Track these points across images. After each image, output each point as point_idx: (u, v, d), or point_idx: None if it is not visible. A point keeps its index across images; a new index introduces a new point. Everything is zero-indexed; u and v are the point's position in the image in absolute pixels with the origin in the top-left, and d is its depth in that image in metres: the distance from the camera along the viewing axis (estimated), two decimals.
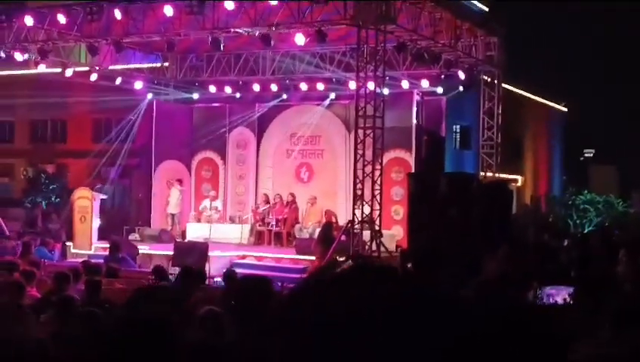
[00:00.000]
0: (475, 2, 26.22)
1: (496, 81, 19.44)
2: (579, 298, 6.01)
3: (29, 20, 17.10)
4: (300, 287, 1.32)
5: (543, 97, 35.28)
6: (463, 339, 1.23)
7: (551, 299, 7.35)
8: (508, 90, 23.16)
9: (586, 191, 28.91)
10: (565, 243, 13.53)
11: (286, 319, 1.28)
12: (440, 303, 1.27)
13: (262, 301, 4.11)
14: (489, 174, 19.28)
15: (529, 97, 32.97)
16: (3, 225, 18.97)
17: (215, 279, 13.77)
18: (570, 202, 28.13)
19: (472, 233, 12.14)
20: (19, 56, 18.25)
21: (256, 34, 15.94)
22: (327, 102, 20.90)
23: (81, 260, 13.93)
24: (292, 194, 20.25)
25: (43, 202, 26.41)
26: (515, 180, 29.73)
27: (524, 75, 29.20)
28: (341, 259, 12.30)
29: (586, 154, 47.52)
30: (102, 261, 13.28)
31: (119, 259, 13.77)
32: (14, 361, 3.25)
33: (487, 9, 25.70)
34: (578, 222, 26.99)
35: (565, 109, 39.00)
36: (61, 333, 4.93)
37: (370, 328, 1.20)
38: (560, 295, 7.25)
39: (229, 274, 10.53)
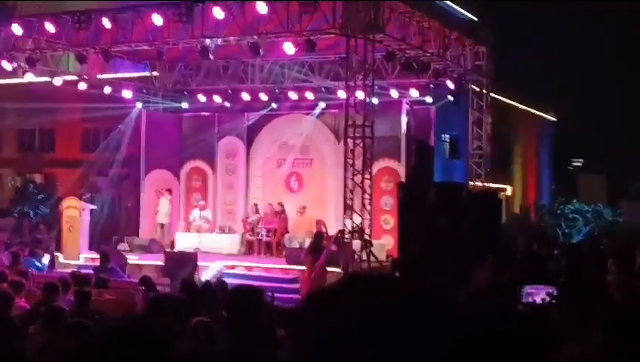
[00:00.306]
0: (464, 12, 26.35)
1: (484, 91, 19.51)
2: (566, 303, 6.03)
3: (17, 29, 17.04)
4: (300, 305, 1.33)
5: (531, 107, 35.44)
6: (454, 347, 1.23)
7: (530, 299, 7.39)
8: (496, 99, 23.24)
9: (574, 201, 29.03)
10: (555, 252, 13.55)
11: (291, 335, 1.30)
12: (430, 311, 1.27)
13: (253, 310, 4.09)
14: (478, 184, 19.33)
15: (517, 107, 33.12)
16: None
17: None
18: (559, 211, 28.23)
19: (462, 242, 12.15)
20: (7, 65, 18.17)
21: (246, 43, 15.93)
22: (317, 111, 20.92)
23: (70, 271, 13.85)
24: (281, 204, 20.21)
25: (31, 212, 26.27)
26: (504, 189, 29.82)
27: (512, 84, 29.33)
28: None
29: (575, 164, 47.75)
30: (91, 271, 13.20)
31: (108, 270, 13.68)
32: None
33: (475, 18, 25.82)
34: (567, 231, 27.08)
35: (554, 119, 39.20)
36: (50, 345, 4.88)
37: (363, 339, 1.20)
38: (539, 294, 7.28)
39: (219, 285, 10.49)
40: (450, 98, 19.37)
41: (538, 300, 7.07)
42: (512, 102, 31.83)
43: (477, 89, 19.62)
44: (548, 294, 6.95)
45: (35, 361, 3.50)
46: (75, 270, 14.22)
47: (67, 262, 18.65)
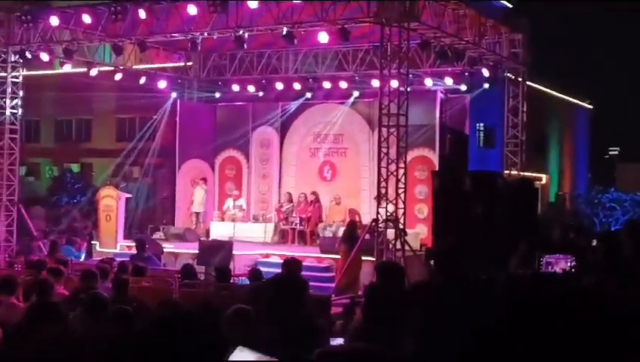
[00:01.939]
0: None
1: (520, 79, 19.28)
2: (604, 282, 5.96)
3: (54, 21, 17.24)
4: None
5: (567, 94, 34.99)
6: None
7: (550, 268, 7.34)
8: (532, 87, 22.98)
9: (612, 190, 28.63)
10: (594, 243, 13.35)
11: None
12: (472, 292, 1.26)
13: (296, 300, 4.11)
14: (513, 172, 19.13)
15: (553, 94, 32.71)
16: (30, 224, 19.16)
17: (240, 278, 13.79)
18: (596, 200, 27.86)
19: (497, 231, 12.06)
20: (44, 57, 18.40)
21: (280, 32, 15.95)
22: (350, 100, 20.88)
23: (107, 258, 14.04)
24: (315, 193, 20.25)
25: (68, 201, 26.66)
26: (540, 178, 29.51)
27: (548, 71, 28.98)
28: None
29: (611, 152, 47.07)
30: (128, 259, 13.37)
31: (145, 258, 13.85)
32: (53, 360, 3.27)
33: (511, 6, 25.52)
34: (604, 220, 26.73)
35: (590, 106, 38.65)
36: (92, 331, 4.96)
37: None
38: (559, 264, 7.23)
39: (254, 273, 10.55)
40: (486, 86, 19.20)
41: (558, 269, 7.02)
42: (548, 90, 31.45)
43: (512, 77, 19.40)
44: (569, 264, 6.90)
45: (78, 347, 3.55)
46: (113, 257, 14.41)
47: (104, 250, 18.91)
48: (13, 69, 18.58)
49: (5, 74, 18.57)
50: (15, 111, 18.74)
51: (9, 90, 18.54)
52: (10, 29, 18.15)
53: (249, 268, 12.63)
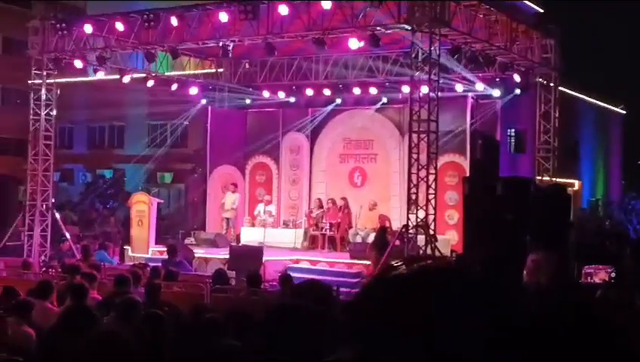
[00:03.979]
0: (531, 4, 25.87)
1: (552, 84, 19.13)
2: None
3: (88, 28, 17.50)
4: (364, 290, 1.31)
5: (600, 100, 34.59)
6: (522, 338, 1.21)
7: (589, 279, 7.28)
8: (564, 92, 22.78)
9: None
10: (628, 251, 13.19)
11: (352, 324, 1.27)
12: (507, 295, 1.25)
13: (322, 304, 4.12)
14: (545, 178, 18.97)
15: (586, 99, 32.36)
16: (64, 228, 19.42)
17: (270, 283, 13.83)
18: (629, 207, 27.49)
19: (529, 238, 11.95)
20: (78, 64, 18.68)
21: (310, 38, 16.01)
22: (378, 105, 20.88)
23: (140, 263, 14.18)
24: (344, 199, 20.26)
25: (101, 206, 26.96)
26: (572, 185, 29.21)
27: (580, 76, 28.67)
28: (396, 263, 12.18)
29: None
30: (160, 264, 13.49)
31: (177, 263, 13.96)
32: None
33: (542, 11, 25.33)
34: (638, 227, 26.36)
35: (624, 112, 38.16)
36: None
37: (434, 329, 1.18)
38: (598, 275, 7.16)
39: (285, 278, 10.58)
40: (518, 92, 19.07)
41: (597, 280, 6.96)
42: (580, 95, 31.12)
43: (544, 82, 19.25)
44: (607, 273, 6.84)
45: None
46: (146, 263, 14.56)
47: (136, 255, 19.09)
48: (48, 76, 18.88)
49: (40, 81, 18.88)
50: (49, 118, 19.03)
51: (43, 97, 18.84)
52: (44, 37, 18.46)
53: (280, 274, 12.66)
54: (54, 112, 19.09)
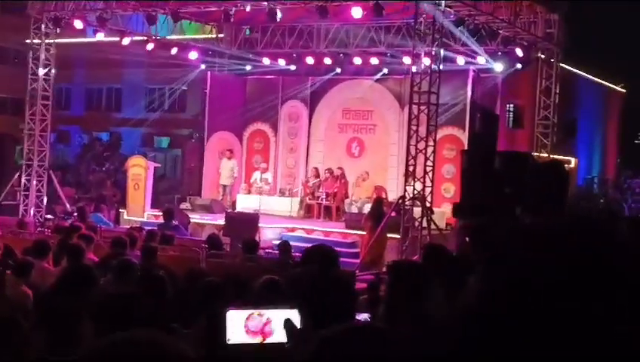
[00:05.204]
0: None
1: (553, 60, 19.04)
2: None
3: None
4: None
5: (600, 77, 34.47)
6: None
7: None
8: (564, 68, 22.67)
9: None
10: (625, 227, 13.21)
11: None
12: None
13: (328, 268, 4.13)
14: (543, 154, 18.98)
15: (586, 77, 32.25)
16: (59, 190, 19.39)
17: (265, 250, 13.87)
18: (625, 185, 27.57)
19: (526, 212, 11.97)
20: (78, 24, 18.50)
21: (313, 6, 15.87)
22: (378, 75, 20.77)
23: (136, 226, 14.18)
24: (341, 169, 20.24)
25: (97, 169, 26.92)
26: (568, 162, 29.22)
27: (581, 53, 28.49)
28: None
29: None
30: (156, 228, 13.49)
31: (172, 227, 13.97)
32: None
33: None
34: (633, 205, 26.45)
35: (624, 90, 38.07)
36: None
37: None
38: None
39: (283, 245, 10.60)
40: (519, 66, 18.99)
41: None
42: (581, 72, 31.00)
43: (545, 57, 19.15)
44: None
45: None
46: (141, 226, 14.56)
47: (131, 218, 19.10)
48: (47, 35, 18.71)
49: (39, 41, 18.71)
50: (48, 78, 18.90)
51: (42, 56, 18.69)
52: None
53: (279, 241, 12.69)
54: (53, 72, 18.95)
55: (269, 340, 2.86)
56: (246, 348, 2.84)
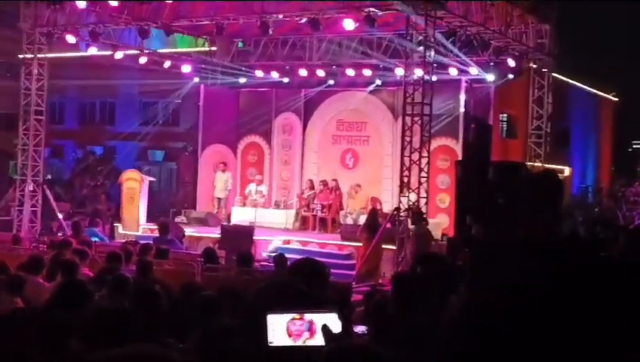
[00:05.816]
0: None
1: (545, 70, 19.12)
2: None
3: (81, 4, 17.33)
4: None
5: (592, 86, 34.60)
6: None
7: None
8: (557, 78, 22.76)
9: (636, 183, 28.35)
10: (619, 237, 13.19)
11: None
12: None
13: (317, 283, 4.11)
14: (537, 164, 19.03)
15: (578, 86, 32.37)
16: (54, 205, 19.34)
17: (261, 263, 13.85)
18: (619, 194, 27.61)
19: (520, 222, 11.97)
20: (70, 39, 18.52)
21: (305, 19, 15.92)
22: (372, 87, 20.82)
23: (131, 241, 14.14)
24: (335, 180, 20.25)
25: (91, 183, 26.84)
26: (562, 171, 29.28)
27: (573, 63, 28.61)
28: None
29: (635, 145, 46.53)
30: (150, 242, 13.45)
31: (168, 241, 13.92)
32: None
33: None
34: (627, 214, 26.47)
35: (616, 99, 38.22)
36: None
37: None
38: None
39: (279, 258, 10.58)
40: (511, 76, 19.06)
41: None
42: (573, 82, 31.12)
43: (537, 67, 19.24)
44: None
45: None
46: (136, 240, 14.52)
47: (126, 232, 19.06)
48: (40, 50, 18.71)
49: (32, 55, 18.71)
50: (41, 93, 18.89)
51: (35, 71, 18.69)
52: (37, 10, 18.28)
53: (274, 254, 12.66)
54: (46, 87, 18.94)
55: (309, 342, 2.95)
56: (288, 350, 2.93)
